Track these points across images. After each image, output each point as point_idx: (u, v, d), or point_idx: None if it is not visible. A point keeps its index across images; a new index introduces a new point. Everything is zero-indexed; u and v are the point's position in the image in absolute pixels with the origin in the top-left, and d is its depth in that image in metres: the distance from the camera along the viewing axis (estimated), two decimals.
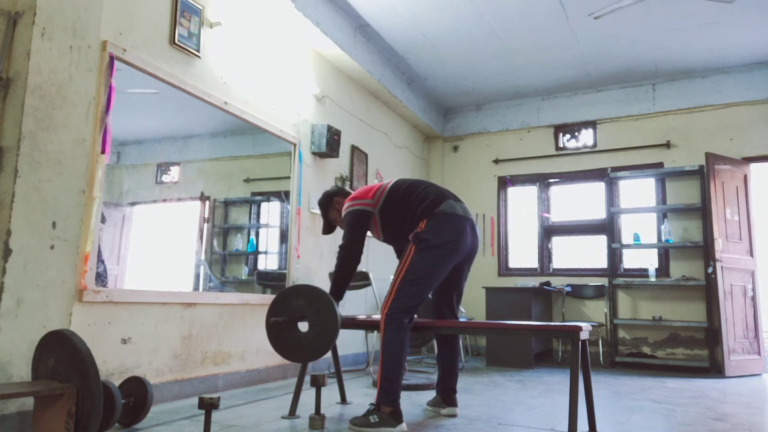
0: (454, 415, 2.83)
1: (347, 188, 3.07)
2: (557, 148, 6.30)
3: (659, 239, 5.53)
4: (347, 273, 2.73)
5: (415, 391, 3.59)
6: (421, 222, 2.61)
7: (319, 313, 2.55)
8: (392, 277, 2.64)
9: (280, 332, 2.63)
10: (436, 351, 3.03)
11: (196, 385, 3.19)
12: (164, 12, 3.14)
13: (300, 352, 2.61)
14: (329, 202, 3.04)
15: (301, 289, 2.64)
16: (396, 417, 2.43)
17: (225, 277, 4.14)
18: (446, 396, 2.88)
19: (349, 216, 2.77)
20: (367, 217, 2.75)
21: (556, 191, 6.40)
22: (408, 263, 2.57)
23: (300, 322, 2.62)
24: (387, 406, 2.44)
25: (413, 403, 3.15)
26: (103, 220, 2.88)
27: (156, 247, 3.63)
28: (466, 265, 2.84)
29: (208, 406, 1.94)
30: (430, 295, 2.80)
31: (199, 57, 3.36)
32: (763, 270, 5.43)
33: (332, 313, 2.51)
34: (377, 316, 2.95)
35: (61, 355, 1.98)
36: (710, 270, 4.97)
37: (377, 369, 2.53)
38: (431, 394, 3.27)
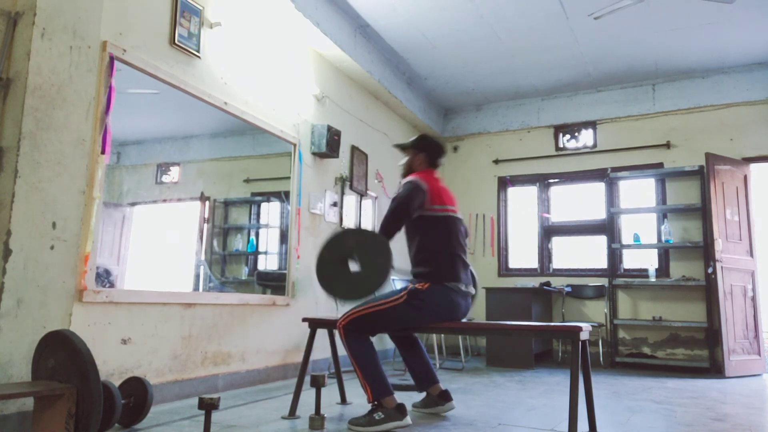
0: (452, 408, 2.86)
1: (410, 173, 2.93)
2: (557, 148, 6.30)
3: (659, 239, 5.52)
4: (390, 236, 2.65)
5: (414, 392, 3.58)
6: (425, 282, 2.61)
7: (372, 250, 2.50)
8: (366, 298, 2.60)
9: (331, 270, 2.58)
10: (405, 363, 3.03)
11: (196, 385, 3.19)
12: (164, 12, 3.14)
13: (352, 289, 2.54)
14: (416, 151, 2.90)
15: (353, 231, 2.60)
16: (401, 410, 2.44)
17: (225, 278, 4.14)
18: (437, 391, 2.87)
19: (409, 186, 2.67)
20: (419, 196, 2.65)
21: (556, 191, 6.40)
22: (393, 305, 2.59)
23: (351, 262, 2.55)
24: (386, 396, 2.46)
25: (413, 410, 3.14)
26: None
27: (156, 248, 3.63)
28: None
29: (208, 406, 1.94)
30: None
31: (199, 57, 3.36)
32: (763, 270, 5.42)
33: (385, 248, 2.47)
34: None
35: (61, 355, 1.98)
36: (710, 270, 4.97)
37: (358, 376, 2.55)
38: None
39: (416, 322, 2.64)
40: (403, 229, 2.78)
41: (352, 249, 2.54)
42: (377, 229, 2.66)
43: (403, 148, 2.99)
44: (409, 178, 2.76)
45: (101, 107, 2.67)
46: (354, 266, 2.55)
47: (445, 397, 2.86)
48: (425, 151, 2.89)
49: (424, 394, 2.98)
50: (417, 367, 2.92)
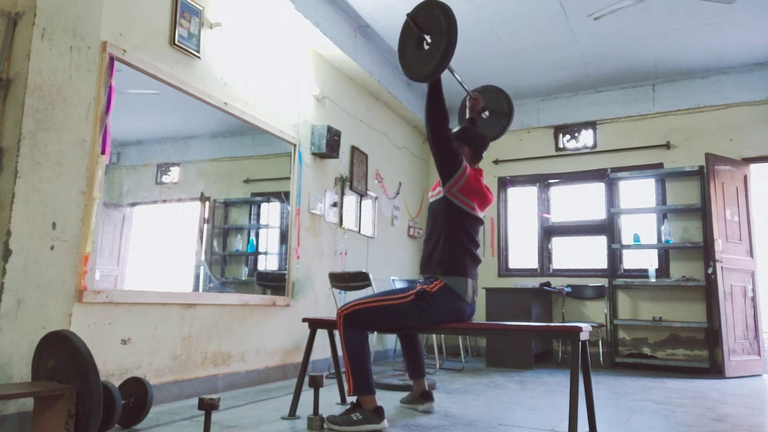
0: (431, 411, 2.89)
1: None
2: (557, 148, 6.30)
3: (659, 240, 5.52)
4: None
5: (398, 392, 3.58)
6: (438, 281, 2.61)
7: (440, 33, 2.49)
8: (373, 289, 2.62)
9: (408, 42, 2.64)
10: (401, 349, 3.14)
11: (196, 385, 3.19)
12: (164, 13, 3.14)
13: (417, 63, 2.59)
14: (460, 144, 2.80)
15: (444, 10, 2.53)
16: (379, 414, 2.44)
17: (225, 278, 4.14)
18: (420, 389, 2.95)
19: (460, 153, 2.67)
20: (454, 158, 2.63)
21: (556, 192, 6.40)
22: (399, 303, 2.59)
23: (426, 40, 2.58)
24: (366, 395, 2.47)
25: (399, 405, 3.14)
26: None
27: (156, 248, 3.63)
28: None
29: (208, 406, 1.94)
30: None
31: (199, 58, 3.36)
32: (763, 270, 5.42)
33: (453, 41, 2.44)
34: None
35: (61, 355, 1.98)
36: (710, 270, 4.97)
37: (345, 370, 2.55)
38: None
39: (418, 323, 2.63)
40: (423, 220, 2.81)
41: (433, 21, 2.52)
42: (426, 106, 2.62)
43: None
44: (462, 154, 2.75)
45: (101, 107, 2.67)
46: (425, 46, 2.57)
47: (425, 396, 2.93)
48: (470, 144, 2.82)
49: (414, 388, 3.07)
50: (409, 356, 3.04)
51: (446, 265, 2.63)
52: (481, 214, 2.77)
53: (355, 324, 2.56)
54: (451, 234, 2.66)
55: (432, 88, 2.59)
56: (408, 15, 2.64)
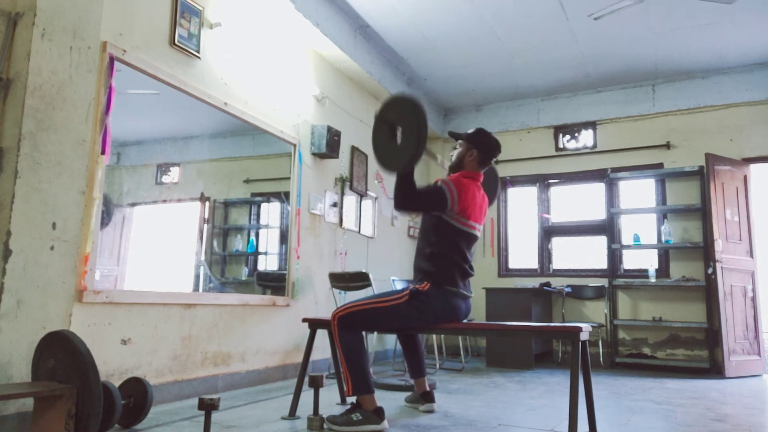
0: (432, 411, 2.89)
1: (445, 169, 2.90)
2: (557, 148, 6.30)
3: (659, 240, 5.52)
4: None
5: (398, 392, 3.58)
6: (427, 282, 2.62)
7: (411, 126, 2.43)
8: (371, 291, 2.62)
9: (381, 136, 2.56)
10: (402, 349, 3.18)
11: (196, 385, 3.19)
12: (164, 13, 3.14)
13: (392, 159, 2.53)
14: (469, 146, 2.78)
15: (409, 103, 2.47)
16: (379, 414, 2.45)
17: (225, 278, 4.14)
18: (421, 389, 2.97)
19: (438, 188, 2.63)
20: (440, 203, 2.61)
21: (556, 192, 6.40)
22: (394, 304, 2.59)
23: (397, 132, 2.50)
24: (366, 394, 2.47)
25: (399, 405, 3.14)
26: (104, 220, 2.86)
27: (156, 248, 3.63)
28: None
29: (208, 406, 1.94)
30: None
31: (199, 58, 3.36)
32: (763, 270, 5.42)
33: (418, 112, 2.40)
34: None
35: (61, 355, 1.98)
36: (710, 271, 4.97)
37: (343, 371, 2.55)
38: None
39: (415, 323, 2.64)
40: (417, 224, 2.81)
41: (400, 116, 2.47)
42: (397, 195, 2.55)
43: (457, 137, 2.89)
44: (451, 180, 2.69)
45: (101, 108, 2.67)
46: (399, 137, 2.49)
47: (426, 397, 2.94)
48: (479, 149, 2.78)
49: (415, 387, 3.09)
50: (409, 356, 3.07)
51: (434, 276, 2.64)
52: (478, 229, 2.76)
53: (350, 326, 2.56)
54: (442, 250, 2.67)
55: (406, 177, 2.51)
56: (376, 114, 2.59)
